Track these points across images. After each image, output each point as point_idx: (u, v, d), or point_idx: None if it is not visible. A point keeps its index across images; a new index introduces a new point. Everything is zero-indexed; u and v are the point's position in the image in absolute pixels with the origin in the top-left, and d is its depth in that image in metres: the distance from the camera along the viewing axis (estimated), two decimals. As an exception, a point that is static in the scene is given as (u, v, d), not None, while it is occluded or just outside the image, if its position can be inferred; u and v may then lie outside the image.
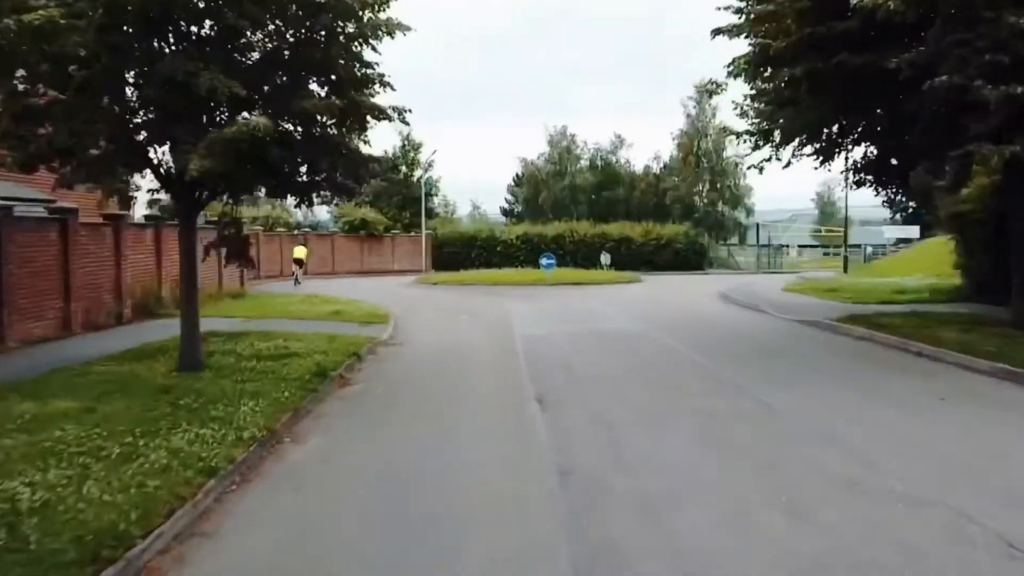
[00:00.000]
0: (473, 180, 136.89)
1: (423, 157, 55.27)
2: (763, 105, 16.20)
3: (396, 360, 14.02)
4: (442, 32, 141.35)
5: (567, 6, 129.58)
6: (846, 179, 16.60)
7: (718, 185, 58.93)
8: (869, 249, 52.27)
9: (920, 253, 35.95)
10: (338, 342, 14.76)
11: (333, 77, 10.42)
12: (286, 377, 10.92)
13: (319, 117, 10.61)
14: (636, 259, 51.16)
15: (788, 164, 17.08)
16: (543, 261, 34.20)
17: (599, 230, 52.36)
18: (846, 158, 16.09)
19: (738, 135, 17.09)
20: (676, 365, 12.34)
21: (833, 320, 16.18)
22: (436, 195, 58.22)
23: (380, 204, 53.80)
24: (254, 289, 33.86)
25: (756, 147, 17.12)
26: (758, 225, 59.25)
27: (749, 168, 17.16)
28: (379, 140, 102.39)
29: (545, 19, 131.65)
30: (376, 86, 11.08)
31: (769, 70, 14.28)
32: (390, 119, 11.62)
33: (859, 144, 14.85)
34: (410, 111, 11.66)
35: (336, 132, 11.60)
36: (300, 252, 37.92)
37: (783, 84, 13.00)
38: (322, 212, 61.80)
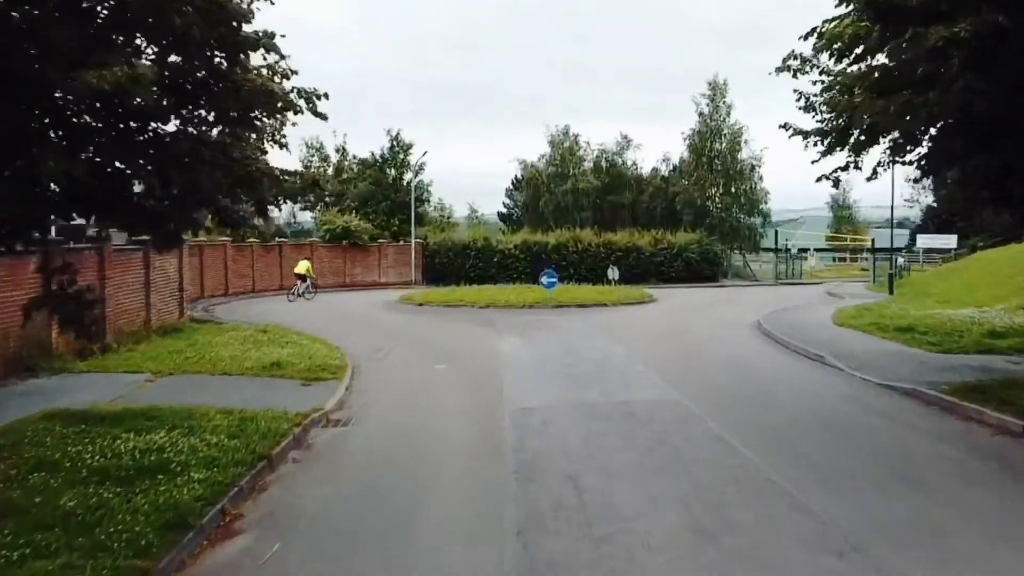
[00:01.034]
0: (472, 181, 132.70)
1: (413, 159, 50.77)
2: (847, 96, 11.68)
3: (324, 468, 9.54)
4: (442, 30, 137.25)
5: (570, 5, 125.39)
6: (960, 193, 12.13)
7: (732, 189, 54.39)
8: (900, 260, 47.61)
9: (972, 269, 31.48)
10: (252, 428, 10.36)
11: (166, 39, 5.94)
12: (108, 544, 6.47)
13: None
14: (645, 270, 46.93)
15: (874, 175, 12.66)
16: (544, 279, 29.81)
17: (604, 239, 48.01)
18: (963, 167, 11.66)
19: (805, 135, 12.61)
20: (754, 499, 7.84)
21: (943, 392, 11.68)
22: (428, 200, 53.70)
23: (367, 210, 49.40)
24: (213, 311, 29.55)
25: (828, 151, 12.68)
26: (776, 232, 54.72)
27: (819, 180, 12.72)
28: (365, 140, 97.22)
29: (547, 18, 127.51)
30: (258, 52, 6.65)
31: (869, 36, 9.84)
32: (294, 109, 7.21)
33: (993, 147, 10.40)
34: (325, 96, 7.25)
35: (220, 134, 7.23)
36: (303, 267, 34.65)
37: (922, 55, 8.57)
38: (306, 218, 57.50)
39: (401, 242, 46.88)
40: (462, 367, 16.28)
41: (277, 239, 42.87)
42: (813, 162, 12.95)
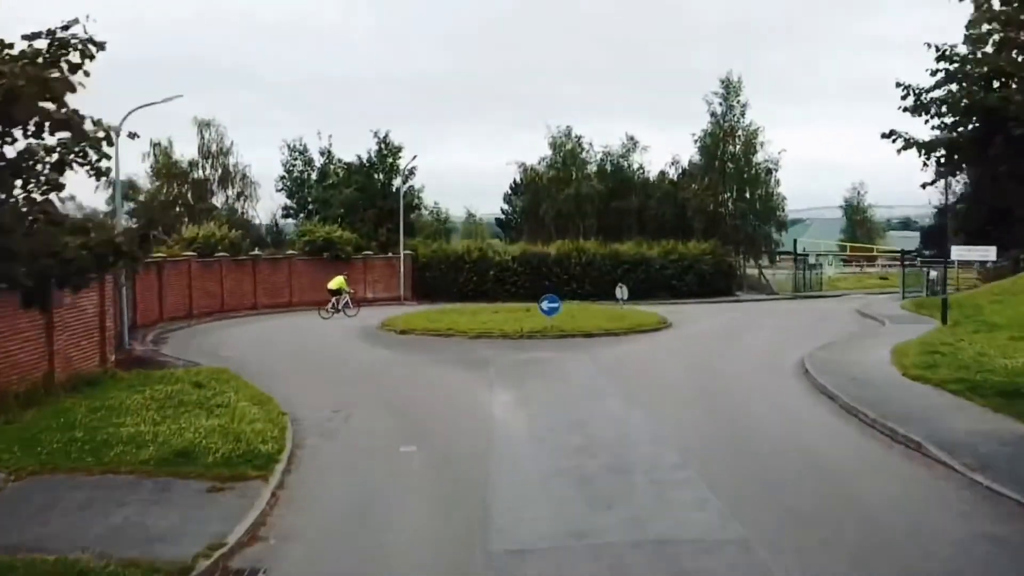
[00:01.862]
0: (471, 180, 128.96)
1: (403, 163, 46.71)
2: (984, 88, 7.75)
3: None
4: (441, 31, 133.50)
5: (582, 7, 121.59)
6: None
7: (747, 194, 50.39)
8: (933, 273, 43.50)
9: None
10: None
11: None
12: None
13: None
14: (655, 284, 43.17)
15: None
16: (544, 305, 25.82)
17: (611, 250, 44.07)
18: None
19: (922, 148, 8.68)
20: None
21: None
22: (420, 207, 49.77)
23: (352, 218, 45.46)
24: (164, 342, 25.65)
25: (956, 167, 8.77)
26: (796, 242, 50.68)
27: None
28: (359, 141, 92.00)
29: (553, 21, 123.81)
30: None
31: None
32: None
33: None
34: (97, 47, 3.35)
35: None
36: (336, 282, 32.71)
37: None
38: (291, 224, 53.44)
39: (390, 254, 42.98)
40: (437, 450, 12.32)
41: (252, 252, 38.92)
42: (925, 185, 9.07)
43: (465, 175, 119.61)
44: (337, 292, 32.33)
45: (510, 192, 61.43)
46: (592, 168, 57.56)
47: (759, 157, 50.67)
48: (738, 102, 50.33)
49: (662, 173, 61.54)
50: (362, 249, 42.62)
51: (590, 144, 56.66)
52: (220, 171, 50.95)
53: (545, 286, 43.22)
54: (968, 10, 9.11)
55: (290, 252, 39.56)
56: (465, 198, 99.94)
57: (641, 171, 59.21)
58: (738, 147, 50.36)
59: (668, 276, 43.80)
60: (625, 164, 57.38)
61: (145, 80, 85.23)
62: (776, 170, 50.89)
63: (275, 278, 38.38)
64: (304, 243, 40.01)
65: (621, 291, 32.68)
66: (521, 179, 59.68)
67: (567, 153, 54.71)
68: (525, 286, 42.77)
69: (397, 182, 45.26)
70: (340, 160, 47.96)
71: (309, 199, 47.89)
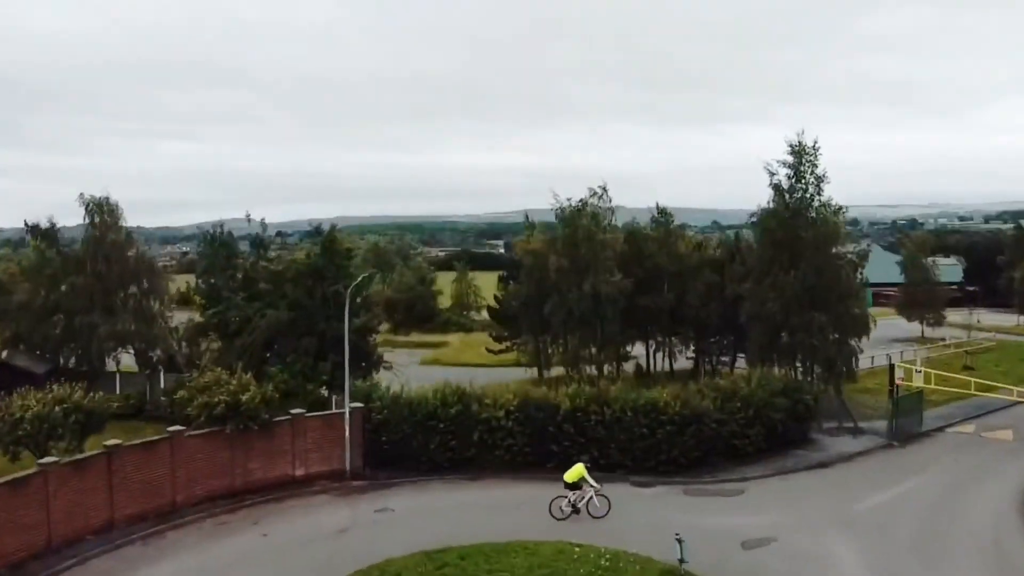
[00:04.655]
0: (470, 179, 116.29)
1: (355, 262, 33.83)
2: None
3: None
4: (442, 48, 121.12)
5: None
6: None
7: (824, 297, 37.11)
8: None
9: None
10: None
11: None
12: None
13: None
14: (710, 446, 30.40)
15: None
16: None
17: (646, 401, 30.63)
18: None
19: None
20: None
21: None
22: (377, 331, 36.64)
23: (283, 348, 32.51)
24: None
25: None
26: (892, 363, 37.29)
27: None
28: (356, 146, 75.49)
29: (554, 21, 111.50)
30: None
31: None
32: None
33: None
34: None
35: None
36: (575, 473, 24.94)
37: None
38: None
39: (333, 405, 30.14)
40: None
41: (108, 444, 25.29)
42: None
43: (464, 175, 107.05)
44: (576, 486, 24.81)
45: (505, 278, 48.43)
46: (617, 225, 44.45)
47: (838, 246, 37.91)
48: (812, 173, 37.50)
49: (699, 247, 48.69)
50: (292, 395, 29.78)
51: (606, 199, 42.49)
52: (118, 266, 37.86)
53: (552, 452, 30.55)
54: None
55: (174, 428, 26.40)
56: (465, 197, 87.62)
57: (674, 241, 46.23)
58: (811, 233, 37.37)
59: (727, 436, 30.88)
60: (654, 248, 44.46)
61: (143, 81, 72.37)
62: (863, 267, 38.04)
63: (148, 472, 25.33)
64: (198, 409, 27.02)
65: (681, 549, 19.66)
66: (518, 257, 46.71)
67: (580, 236, 41.46)
68: (524, 451, 29.89)
69: (363, 291, 32.23)
70: (271, 260, 34.96)
71: (230, 316, 34.75)
